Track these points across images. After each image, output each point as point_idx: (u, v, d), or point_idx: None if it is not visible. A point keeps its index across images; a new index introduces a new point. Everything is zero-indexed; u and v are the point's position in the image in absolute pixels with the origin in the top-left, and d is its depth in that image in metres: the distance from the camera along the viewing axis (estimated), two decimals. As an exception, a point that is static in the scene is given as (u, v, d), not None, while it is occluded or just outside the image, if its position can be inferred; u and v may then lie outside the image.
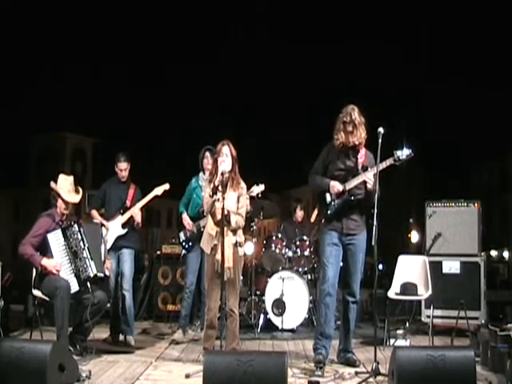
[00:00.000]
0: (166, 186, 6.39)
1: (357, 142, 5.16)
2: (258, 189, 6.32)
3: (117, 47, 53.36)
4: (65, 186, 5.53)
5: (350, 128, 5.11)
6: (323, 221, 5.29)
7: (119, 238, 6.24)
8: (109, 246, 6.12)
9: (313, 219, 6.87)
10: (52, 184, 5.53)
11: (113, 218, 6.26)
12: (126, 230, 6.25)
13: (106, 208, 6.41)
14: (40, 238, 5.44)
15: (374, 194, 4.94)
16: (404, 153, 5.05)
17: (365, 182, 5.11)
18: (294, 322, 7.09)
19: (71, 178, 5.65)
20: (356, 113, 5.13)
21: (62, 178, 5.60)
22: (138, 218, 6.22)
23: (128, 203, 6.29)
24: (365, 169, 5.14)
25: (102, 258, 5.61)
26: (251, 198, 6.30)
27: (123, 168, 6.31)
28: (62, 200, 5.51)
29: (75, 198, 5.57)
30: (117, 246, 6.24)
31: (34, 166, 46.68)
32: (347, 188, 5.16)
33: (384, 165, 5.07)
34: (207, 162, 6.42)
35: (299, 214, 8.29)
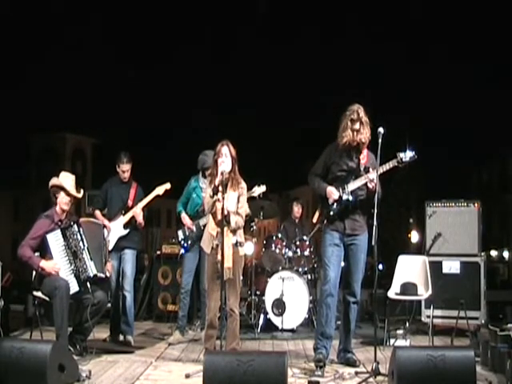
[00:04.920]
0: (168, 186, 6.38)
1: (363, 140, 5.15)
2: (259, 189, 6.32)
3: (117, 47, 53.36)
4: (67, 182, 5.53)
5: (356, 126, 5.11)
6: (325, 221, 5.29)
7: (121, 238, 6.23)
8: (111, 246, 6.12)
9: (315, 220, 6.87)
10: (54, 179, 5.52)
11: (115, 219, 6.26)
12: (127, 231, 6.24)
13: (107, 208, 6.40)
14: (39, 240, 5.43)
15: (375, 195, 4.95)
16: (407, 155, 5.05)
17: (367, 183, 5.12)
18: (294, 321, 7.09)
19: (73, 176, 5.65)
20: (362, 111, 5.15)
21: (63, 175, 5.60)
22: (140, 218, 6.21)
23: (130, 203, 6.28)
24: (367, 170, 5.15)
25: (103, 260, 5.62)
26: (252, 198, 6.30)
27: (126, 169, 6.29)
28: (66, 193, 5.48)
29: (78, 194, 5.58)
30: (119, 247, 6.23)
31: (33, 166, 46.66)
32: (350, 189, 5.17)
33: (387, 166, 5.08)
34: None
35: (296, 209, 8.33)
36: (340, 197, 5.16)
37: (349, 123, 5.13)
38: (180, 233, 6.57)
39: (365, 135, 5.15)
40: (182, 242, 6.54)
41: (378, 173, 5.03)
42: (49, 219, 5.51)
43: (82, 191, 5.66)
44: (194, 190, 6.57)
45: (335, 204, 5.19)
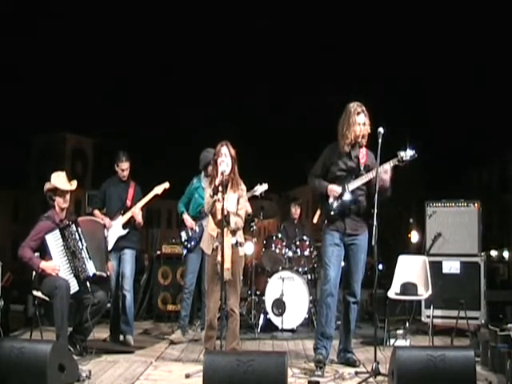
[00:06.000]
0: (166, 185, 6.39)
1: (367, 132, 5.16)
2: (261, 188, 6.33)
3: (116, 47, 53.34)
4: (60, 181, 5.55)
5: (362, 119, 5.13)
6: (325, 221, 5.29)
7: (120, 238, 6.23)
8: (110, 246, 6.12)
9: (315, 220, 6.88)
10: (47, 184, 5.55)
11: (113, 219, 6.26)
12: (126, 231, 6.25)
13: (106, 208, 6.40)
14: (39, 242, 5.44)
15: (386, 191, 5.01)
16: (408, 154, 5.05)
17: (366, 183, 5.11)
18: (294, 321, 7.09)
19: (63, 173, 5.67)
20: (363, 105, 5.17)
21: (54, 175, 5.62)
22: (139, 218, 6.21)
23: (128, 203, 6.28)
24: (368, 169, 5.15)
25: (104, 259, 5.62)
26: (253, 196, 6.30)
27: (125, 168, 6.30)
28: (59, 192, 5.49)
29: (71, 187, 5.58)
30: (118, 247, 6.23)
31: (33, 166, 46.67)
32: (350, 189, 5.16)
33: (388, 166, 5.07)
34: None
35: (293, 210, 8.34)
36: (341, 193, 5.16)
37: (356, 117, 5.12)
38: (183, 234, 6.56)
39: (368, 127, 5.17)
40: (186, 243, 6.54)
41: (376, 173, 5.02)
42: (49, 220, 5.52)
43: (75, 183, 5.65)
44: (196, 190, 6.56)
45: (335, 203, 5.19)
